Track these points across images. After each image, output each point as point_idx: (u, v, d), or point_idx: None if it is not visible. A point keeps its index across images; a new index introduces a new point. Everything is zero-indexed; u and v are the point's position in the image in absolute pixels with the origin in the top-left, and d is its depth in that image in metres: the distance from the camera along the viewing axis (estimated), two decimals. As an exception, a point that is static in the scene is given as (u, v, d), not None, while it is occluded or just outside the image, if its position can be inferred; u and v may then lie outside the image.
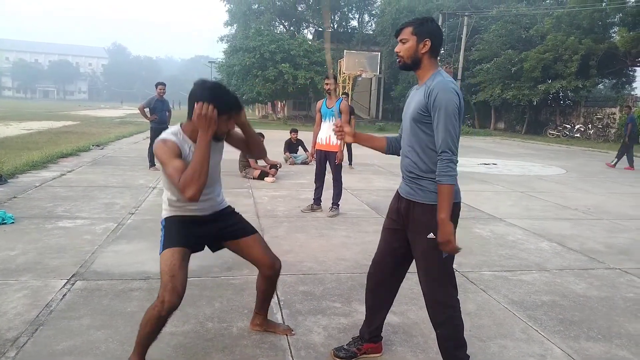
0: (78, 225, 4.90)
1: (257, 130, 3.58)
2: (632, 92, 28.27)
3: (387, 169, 10.45)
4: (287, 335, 2.74)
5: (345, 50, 28.20)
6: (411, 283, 2.89)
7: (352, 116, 7.55)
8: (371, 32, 41.23)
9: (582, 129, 25.14)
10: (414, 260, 2.29)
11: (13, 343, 2.52)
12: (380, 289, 2.45)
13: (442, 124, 2.02)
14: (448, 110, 2.02)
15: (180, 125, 2.28)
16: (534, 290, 3.61)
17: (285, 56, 27.69)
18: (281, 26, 42.71)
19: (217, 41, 42.41)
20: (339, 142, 5.76)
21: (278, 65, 27.34)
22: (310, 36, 40.62)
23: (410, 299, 3.27)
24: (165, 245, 2.27)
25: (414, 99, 2.19)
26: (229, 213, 2.52)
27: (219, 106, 2.12)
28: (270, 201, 6.61)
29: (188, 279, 2.25)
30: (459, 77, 28.24)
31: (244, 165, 8.58)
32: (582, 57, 23.84)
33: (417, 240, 2.19)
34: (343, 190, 6.10)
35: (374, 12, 42.92)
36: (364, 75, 27.21)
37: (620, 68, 26.39)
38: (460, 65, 28.85)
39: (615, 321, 3.14)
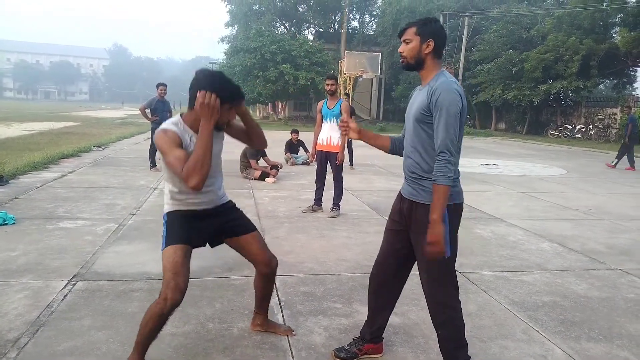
0: (79, 226, 4.91)
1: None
2: (633, 93, 28.21)
3: (387, 170, 10.45)
4: (287, 335, 2.74)
5: (346, 51, 28.21)
6: (412, 284, 2.89)
7: (352, 117, 7.56)
8: (372, 33, 41.25)
9: (583, 130, 25.12)
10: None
11: (14, 344, 2.53)
12: (383, 290, 2.45)
13: (443, 125, 2.02)
14: (450, 111, 2.01)
15: (181, 116, 2.29)
16: (534, 291, 3.61)
17: (286, 57, 27.71)
18: (282, 27, 42.73)
19: (218, 42, 42.51)
20: (339, 142, 5.77)
21: (279, 65, 27.37)
22: (311, 37, 40.63)
23: (411, 300, 3.27)
24: (168, 241, 2.27)
25: (417, 99, 2.19)
26: (230, 208, 2.53)
27: (222, 95, 2.13)
28: (271, 202, 6.61)
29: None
30: (460, 77, 28.23)
31: (245, 165, 8.58)
32: (583, 58, 23.83)
33: (420, 241, 2.18)
34: (344, 191, 6.10)
35: (374, 12, 42.93)
36: (364, 76, 27.22)
37: (621, 68, 26.37)
38: (461, 65, 28.88)
39: (616, 322, 3.14)
